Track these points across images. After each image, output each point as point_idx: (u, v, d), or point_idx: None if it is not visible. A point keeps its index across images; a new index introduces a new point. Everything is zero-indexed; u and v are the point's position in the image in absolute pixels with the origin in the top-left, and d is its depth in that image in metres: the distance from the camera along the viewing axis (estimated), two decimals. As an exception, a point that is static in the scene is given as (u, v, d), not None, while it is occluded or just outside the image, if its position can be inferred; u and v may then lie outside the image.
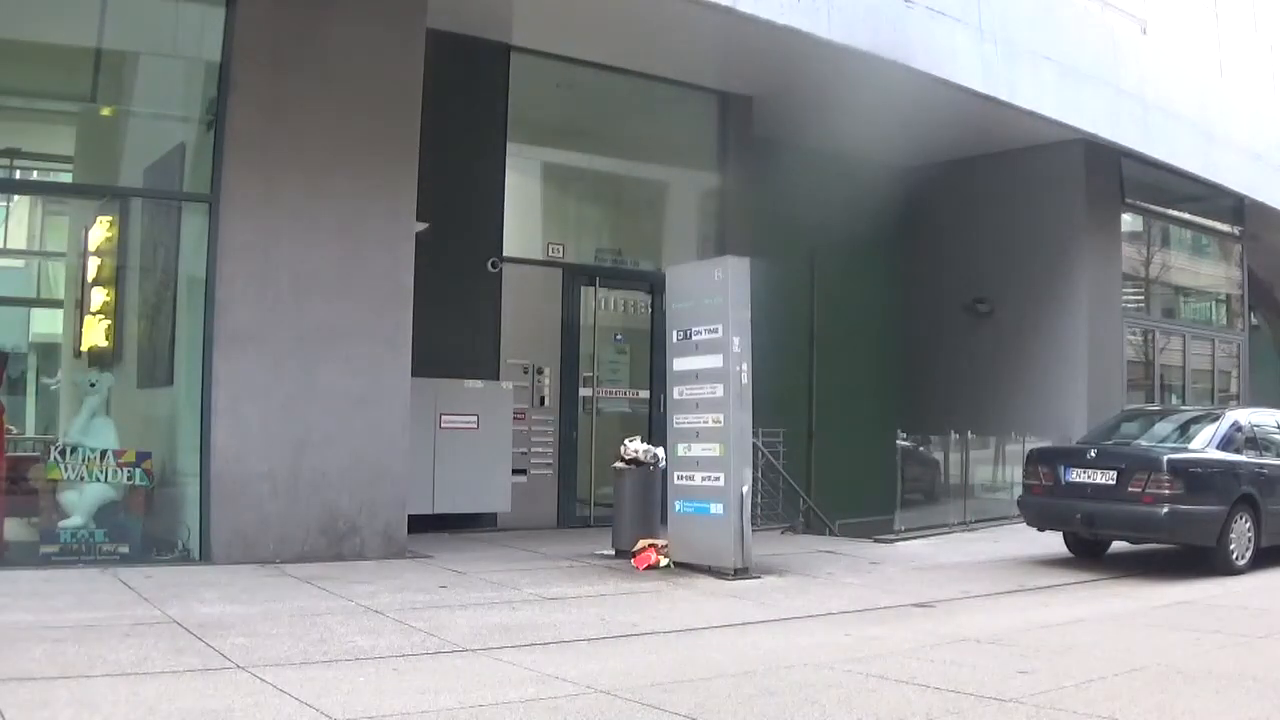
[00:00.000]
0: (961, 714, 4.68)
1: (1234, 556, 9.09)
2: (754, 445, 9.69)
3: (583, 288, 12.27)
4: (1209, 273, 18.80)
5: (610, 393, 12.42)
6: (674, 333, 8.95)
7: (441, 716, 4.40)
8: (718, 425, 8.48)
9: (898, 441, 11.91)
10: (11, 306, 14.50)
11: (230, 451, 8.21)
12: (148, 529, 8.35)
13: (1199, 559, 9.18)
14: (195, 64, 8.92)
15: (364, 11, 8.87)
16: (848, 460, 14.05)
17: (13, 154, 10.70)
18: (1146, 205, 16.49)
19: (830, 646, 6.05)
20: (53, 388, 11.44)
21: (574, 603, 7.15)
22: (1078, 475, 9.42)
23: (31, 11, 8.46)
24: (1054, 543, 10.21)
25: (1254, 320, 20.95)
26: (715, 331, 8.52)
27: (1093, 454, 9.56)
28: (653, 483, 9.40)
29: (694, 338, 8.72)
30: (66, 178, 11.33)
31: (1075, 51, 13.76)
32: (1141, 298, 16.92)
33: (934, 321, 15.94)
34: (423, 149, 9.10)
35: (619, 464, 9.61)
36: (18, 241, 14.61)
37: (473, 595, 7.24)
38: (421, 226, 9.33)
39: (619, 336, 12.65)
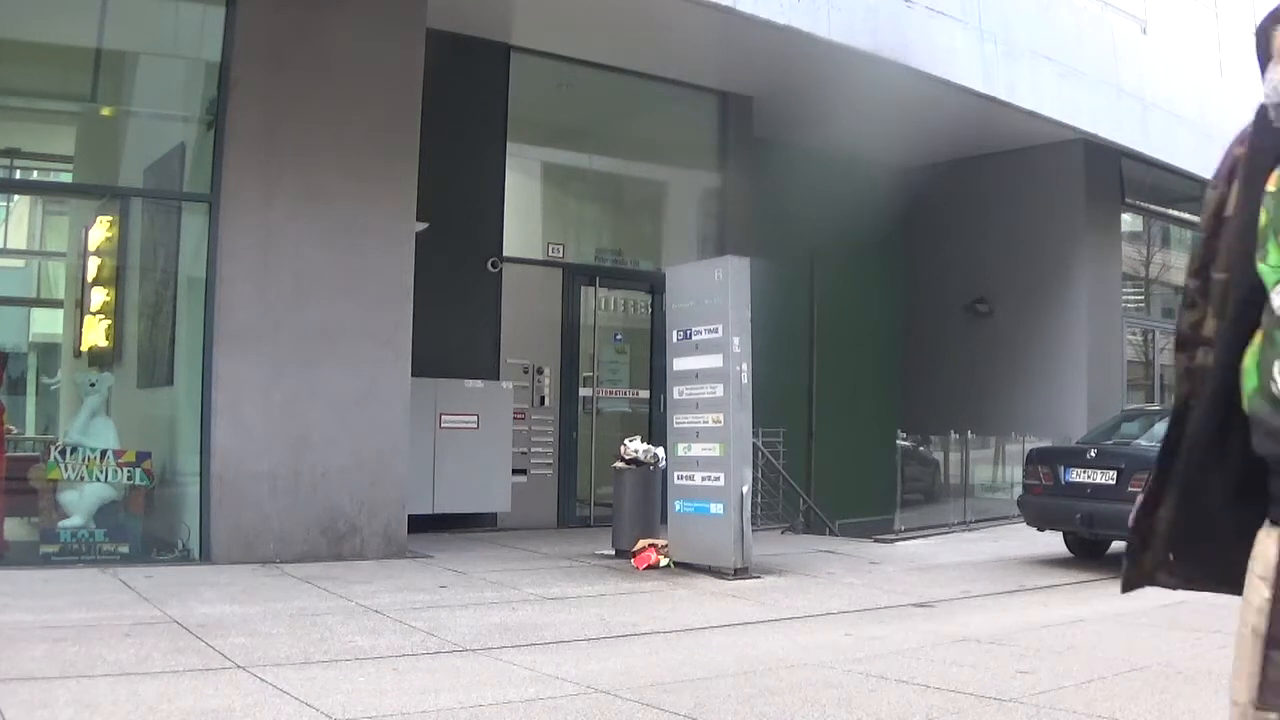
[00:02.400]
0: (961, 714, 4.68)
1: (1234, 556, 9.10)
2: (754, 445, 9.69)
3: (583, 288, 12.27)
4: (1209, 273, 18.77)
5: (610, 393, 12.42)
6: (674, 333, 8.95)
7: (442, 716, 4.39)
8: (718, 425, 8.48)
9: (898, 441, 11.91)
10: (11, 306, 14.51)
11: (230, 451, 8.21)
12: (148, 529, 8.35)
13: (1199, 559, 9.17)
14: (195, 64, 8.92)
15: (364, 11, 8.88)
16: (848, 460, 14.07)
17: (13, 154, 10.70)
18: (1146, 205, 16.49)
19: (830, 646, 6.05)
20: (53, 388, 11.43)
21: (574, 602, 7.15)
22: (1078, 475, 9.42)
23: (31, 11, 8.46)
24: (1054, 543, 10.21)
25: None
26: (715, 331, 8.52)
27: (1093, 454, 9.55)
28: (653, 483, 9.40)
29: (694, 338, 8.72)
30: (66, 178, 11.34)
31: (1075, 51, 13.76)
32: (1141, 298, 16.91)
33: (934, 321, 15.95)
34: (423, 149, 9.10)
35: (619, 464, 9.61)
36: (18, 241, 14.62)
37: (473, 595, 7.24)
38: (421, 226, 9.34)
39: (619, 336, 12.65)
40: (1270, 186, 1.81)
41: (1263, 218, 1.80)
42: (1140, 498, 2.03)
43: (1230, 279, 1.87)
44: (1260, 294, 1.77)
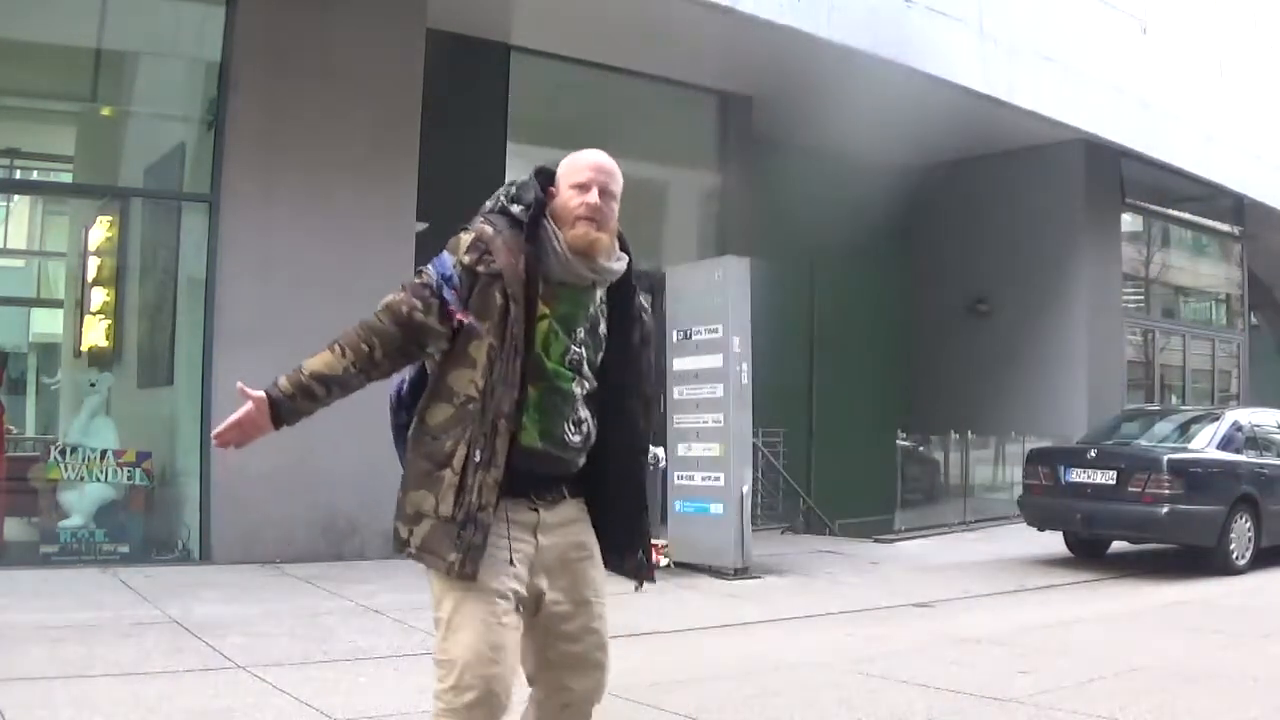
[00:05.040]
0: (961, 714, 4.68)
1: (1234, 556, 9.09)
2: (754, 445, 9.69)
3: (583, 288, 12.23)
4: (1209, 273, 18.79)
5: (610, 393, 12.38)
6: (674, 333, 8.95)
7: (442, 716, 4.39)
8: (718, 425, 8.48)
9: (898, 441, 11.90)
10: (11, 306, 14.52)
11: (230, 451, 8.16)
12: (148, 529, 8.35)
13: (1199, 559, 9.18)
14: (195, 64, 8.91)
15: (364, 11, 8.87)
16: (848, 460, 14.05)
17: (13, 154, 10.71)
18: (1146, 205, 16.48)
19: (831, 647, 6.05)
20: (53, 388, 11.43)
21: (574, 603, 7.14)
22: (1078, 475, 9.42)
23: (31, 11, 8.46)
24: (1054, 543, 10.21)
25: (1254, 320, 20.95)
26: (715, 331, 8.52)
27: (1093, 454, 9.55)
28: (652, 483, 9.40)
29: (694, 338, 8.72)
30: (66, 178, 11.33)
31: (1075, 51, 13.75)
32: (1141, 298, 16.91)
33: (934, 322, 15.93)
34: (423, 149, 9.10)
35: (619, 464, 9.58)
36: (18, 241, 14.62)
37: (473, 595, 7.22)
38: (422, 226, 9.33)
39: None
40: None
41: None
42: None
43: None
44: None
